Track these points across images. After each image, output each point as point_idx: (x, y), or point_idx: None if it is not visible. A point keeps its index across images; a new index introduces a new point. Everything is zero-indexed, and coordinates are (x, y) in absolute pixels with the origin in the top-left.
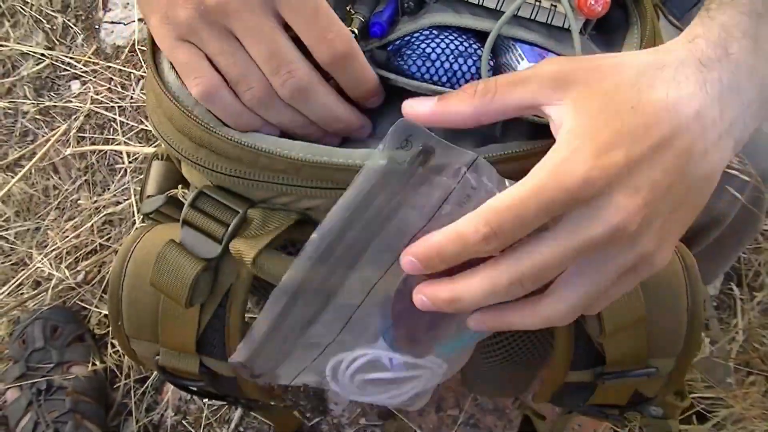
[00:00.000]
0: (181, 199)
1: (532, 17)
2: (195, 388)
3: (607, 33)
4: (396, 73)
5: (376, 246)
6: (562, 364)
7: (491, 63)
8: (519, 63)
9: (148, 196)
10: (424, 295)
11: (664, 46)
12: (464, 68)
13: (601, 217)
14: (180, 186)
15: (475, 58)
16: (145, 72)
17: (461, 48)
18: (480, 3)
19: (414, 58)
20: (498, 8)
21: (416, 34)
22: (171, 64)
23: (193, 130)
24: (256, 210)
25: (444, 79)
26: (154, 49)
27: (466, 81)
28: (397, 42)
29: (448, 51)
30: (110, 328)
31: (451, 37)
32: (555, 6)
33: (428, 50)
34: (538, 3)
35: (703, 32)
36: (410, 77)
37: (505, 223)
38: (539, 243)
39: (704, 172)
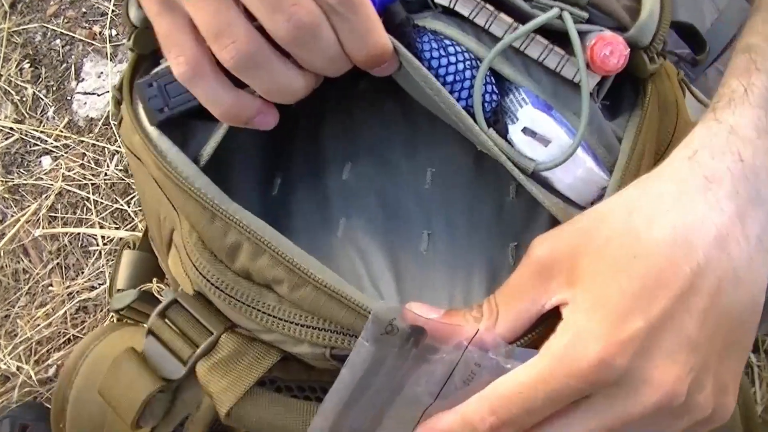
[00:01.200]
0: (156, 294)
1: (541, 59)
2: None
3: (617, 107)
4: (405, 46)
5: (391, 420)
6: None
7: (496, 98)
8: (522, 107)
9: (119, 290)
10: None
11: (656, 170)
12: (471, 82)
13: (638, 396)
14: (155, 279)
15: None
16: (119, 147)
17: (474, 62)
18: (487, 28)
19: (427, 41)
20: (502, 37)
21: (425, 29)
22: (160, 131)
23: (193, 208)
24: (232, 335)
25: (449, 78)
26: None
27: (469, 95)
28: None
29: (464, 56)
30: None
31: (464, 48)
32: (568, 58)
33: (446, 42)
34: (551, 47)
35: (706, 142)
36: (418, 57)
37: (513, 412)
38: (570, 421)
39: (743, 303)
